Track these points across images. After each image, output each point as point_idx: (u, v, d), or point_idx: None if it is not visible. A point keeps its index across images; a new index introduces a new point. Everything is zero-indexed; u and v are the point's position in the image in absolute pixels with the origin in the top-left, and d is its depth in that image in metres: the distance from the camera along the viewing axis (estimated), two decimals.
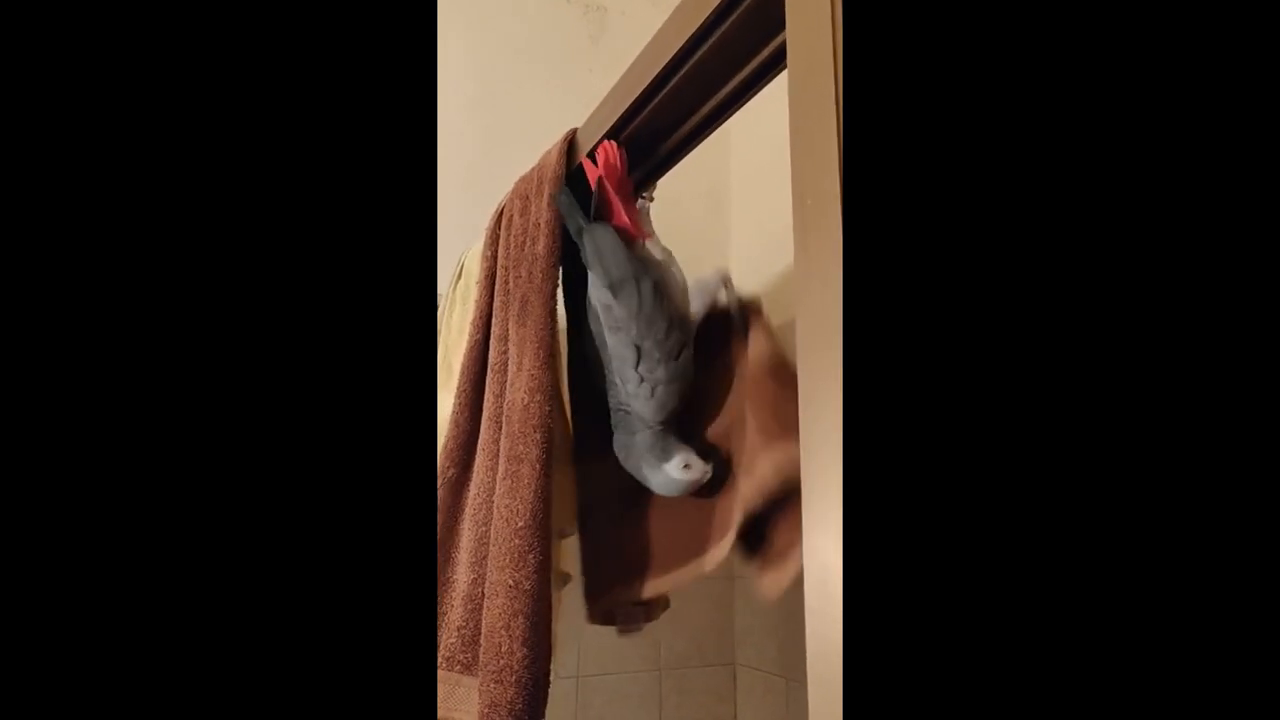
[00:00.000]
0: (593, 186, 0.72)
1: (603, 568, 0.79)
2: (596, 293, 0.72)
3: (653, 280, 0.69)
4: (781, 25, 0.43)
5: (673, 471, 0.70)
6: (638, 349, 0.70)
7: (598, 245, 0.70)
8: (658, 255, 0.73)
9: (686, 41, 0.55)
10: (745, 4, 0.49)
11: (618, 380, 0.72)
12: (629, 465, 0.73)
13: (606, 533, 0.80)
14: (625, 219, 0.72)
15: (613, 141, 0.72)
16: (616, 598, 0.78)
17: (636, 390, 0.70)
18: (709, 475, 0.70)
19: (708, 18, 0.52)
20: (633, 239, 0.72)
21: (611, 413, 0.75)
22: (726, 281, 0.79)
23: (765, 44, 0.54)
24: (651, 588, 0.74)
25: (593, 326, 0.74)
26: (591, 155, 0.73)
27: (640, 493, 0.76)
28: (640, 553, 0.76)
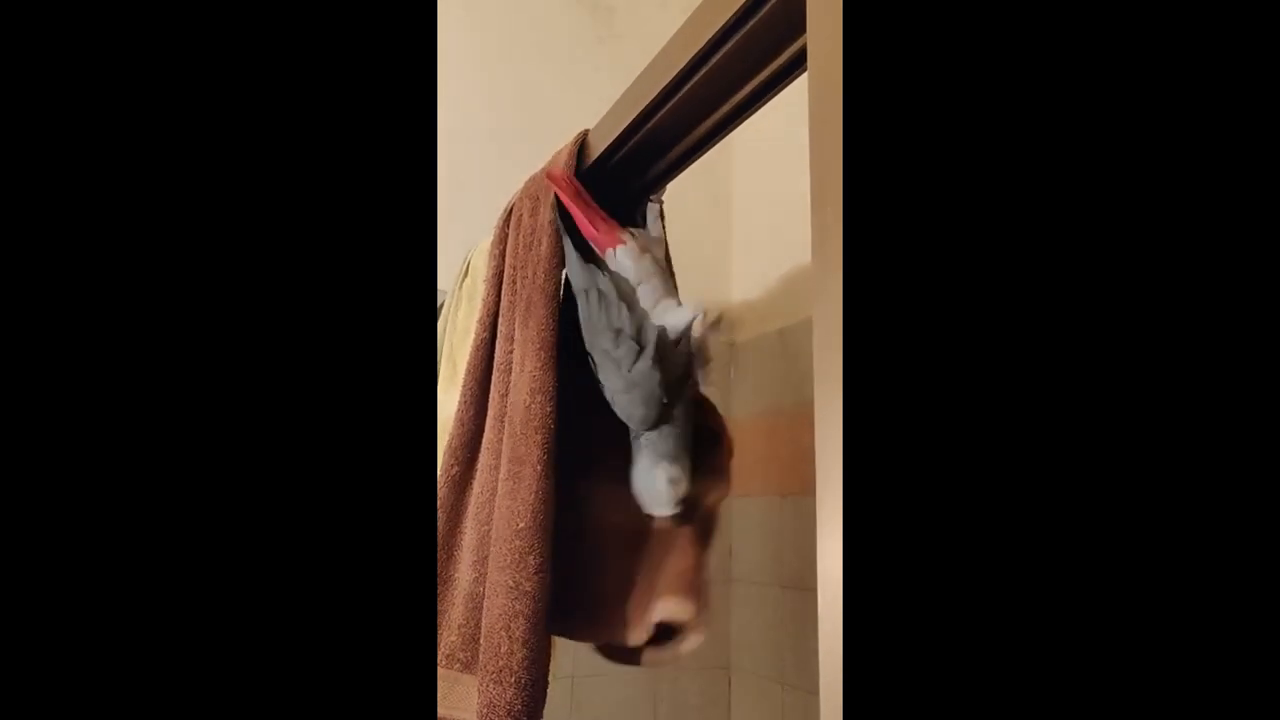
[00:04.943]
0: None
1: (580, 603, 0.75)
2: None
3: (599, 290, 0.70)
4: (801, 29, 0.42)
5: (635, 477, 0.70)
6: (591, 356, 0.71)
7: (567, 252, 0.73)
8: (622, 265, 0.72)
9: (705, 44, 0.55)
10: (767, 6, 0.49)
11: None
12: None
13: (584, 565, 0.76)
14: (590, 228, 0.73)
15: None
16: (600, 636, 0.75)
17: (606, 394, 0.70)
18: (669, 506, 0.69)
19: (728, 20, 0.52)
20: (599, 247, 0.73)
21: None
22: (705, 315, 0.71)
23: (784, 48, 0.54)
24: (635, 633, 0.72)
25: None
26: (593, 161, 0.74)
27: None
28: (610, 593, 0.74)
